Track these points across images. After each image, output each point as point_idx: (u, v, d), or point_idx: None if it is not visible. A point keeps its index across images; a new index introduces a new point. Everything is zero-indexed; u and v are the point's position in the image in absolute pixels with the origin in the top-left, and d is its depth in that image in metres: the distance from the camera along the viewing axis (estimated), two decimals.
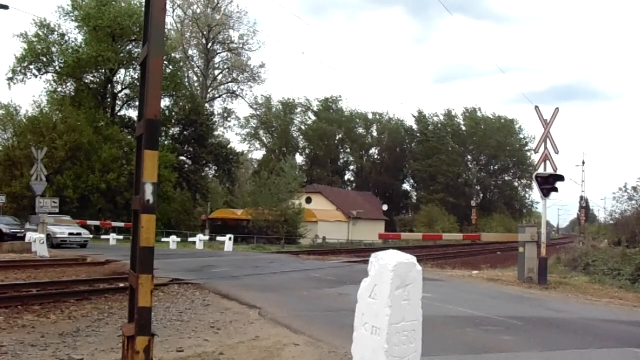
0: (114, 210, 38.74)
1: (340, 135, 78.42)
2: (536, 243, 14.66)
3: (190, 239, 34.84)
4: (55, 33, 41.39)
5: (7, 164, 37.14)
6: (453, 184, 74.56)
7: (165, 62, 41.08)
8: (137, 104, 6.07)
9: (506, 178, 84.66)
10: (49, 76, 42.66)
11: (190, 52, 60.25)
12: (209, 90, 61.63)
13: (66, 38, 41.91)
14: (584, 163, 47.58)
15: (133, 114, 45.62)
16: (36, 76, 41.64)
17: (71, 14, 41.60)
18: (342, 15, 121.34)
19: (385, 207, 65.50)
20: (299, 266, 18.21)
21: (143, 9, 4.69)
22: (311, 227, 48.66)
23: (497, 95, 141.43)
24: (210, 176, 55.81)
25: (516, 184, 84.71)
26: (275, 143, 75.45)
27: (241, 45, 60.57)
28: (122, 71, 44.91)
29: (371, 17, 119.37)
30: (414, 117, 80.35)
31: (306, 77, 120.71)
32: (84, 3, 41.13)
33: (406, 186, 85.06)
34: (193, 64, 61.40)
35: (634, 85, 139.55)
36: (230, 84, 64.06)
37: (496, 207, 77.72)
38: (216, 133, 55.78)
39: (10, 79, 40.57)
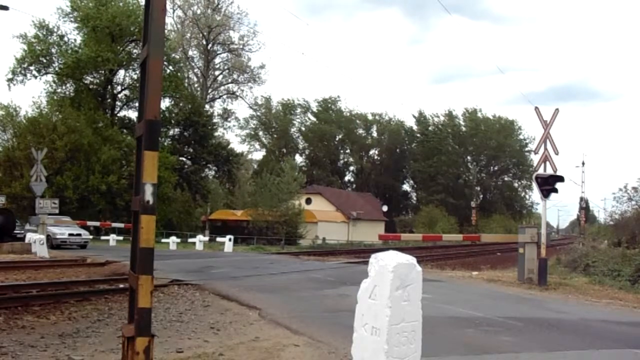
0: (114, 210, 38.75)
1: (340, 136, 78.44)
2: (536, 244, 14.67)
3: (190, 240, 34.85)
4: (55, 34, 41.43)
5: (6, 164, 37.16)
6: (453, 184, 74.60)
7: (165, 63, 41.09)
8: (137, 104, 6.08)
9: (506, 179, 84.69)
10: (49, 77, 42.77)
11: (190, 53, 60.33)
12: (209, 91, 61.65)
13: (65, 39, 41.98)
14: (583, 164, 47.69)
15: (133, 114, 45.66)
16: (36, 77, 41.73)
17: (70, 15, 41.65)
18: (339, 15, 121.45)
19: (385, 208, 65.50)
20: (299, 267, 18.20)
21: (141, 9, 4.69)
22: (311, 227, 48.65)
23: (496, 96, 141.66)
24: (210, 177, 55.81)
25: (516, 184, 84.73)
26: (275, 144, 75.48)
27: (241, 46, 60.66)
28: (122, 72, 44.99)
29: (368, 17, 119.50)
30: (414, 117, 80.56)
31: (305, 77, 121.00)
32: (82, 4, 41.15)
33: (406, 187, 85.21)
34: (193, 64, 61.47)
35: (632, 86, 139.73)
36: (230, 85, 64.16)
37: (496, 208, 77.73)
38: (216, 134, 55.85)
39: (10, 80, 40.64)
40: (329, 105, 77.77)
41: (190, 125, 48.65)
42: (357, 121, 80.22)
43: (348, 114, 78.96)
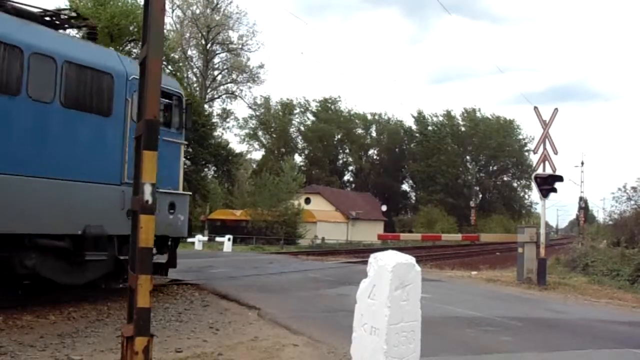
0: None
1: (339, 136, 78.45)
2: (535, 244, 14.69)
3: (189, 240, 34.75)
4: None
5: None
6: (452, 184, 74.60)
7: (165, 63, 41.04)
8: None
9: (505, 178, 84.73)
10: None
11: (189, 53, 60.18)
12: (208, 91, 61.57)
13: None
14: (582, 163, 47.64)
15: None
16: None
17: None
18: (337, 15, 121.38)
19: (384, 208, 65.51)
20: (298, 267, 18.20)
21: (140, 9, 4.72)
22: (310, 227, 48.61)
23: (495, 96, 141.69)
24: (210, 177, 55.73)
25: (515, 184, 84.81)
26: (274, 143, 75.45)
27: (240, 46, 60.53)
28: None
29: (367, 17, 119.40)
30: (414, 117, 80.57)
31: (305, 77, 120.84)
32: (81, 3, 41.11)
33: (405, 187, 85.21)
34: (192, 64, 61.36)
35: (632, 86, 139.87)
36: (229, 85, 64.06)
37: (495, 208, 77.76)
38: (215, 133, 55.71)
39: None
40: (328, 105, 77.77)
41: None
42: (356, 121, 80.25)
43: (347, 113, 79.06)
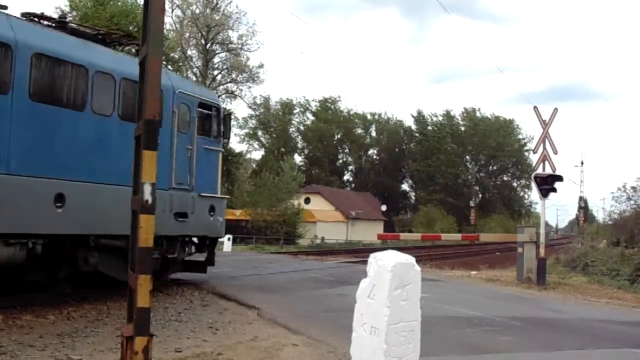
0: None
1: (339, 136, 78.46)
2: (535, 243, 14.68)
3: None
4: None
5: None
6: (452, 184, 74.59)
7: (164, 62, 40.99)
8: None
9: (505, 178, 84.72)
10: None
11: (189, 52, 60.07)
12: None
13: None
14: (582, 163, 47.66)
15: None
16: None
17: (69, 15, 41.55)
18: (337, 15, 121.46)
19: (384, 208, 65.51)
20: (298, 266, 18.19)
21: (140, 9, 4.72)
22: (310, 227, 48.58)
23: (494, 95, 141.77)
24: None
25: (515, 184, 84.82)
26: (274, 143, 75.44)
27: (240, 46, 60.47)
28: None
29: (366, 17, 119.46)
30: (413, 117, 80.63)
31: (304, 77, 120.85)
32: (81, 3, 41.11)
33: (405, 186, 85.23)
34: (192, 64, 61.28)
35: (631, 86, 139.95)
36: (229, 84, 64.00)
37: (495, 208, 77.75)
38: None
39: None
40: (328, 104, 77.79)
41: None
42: (356, 121, 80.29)
43: (347, 113, 79.08)
